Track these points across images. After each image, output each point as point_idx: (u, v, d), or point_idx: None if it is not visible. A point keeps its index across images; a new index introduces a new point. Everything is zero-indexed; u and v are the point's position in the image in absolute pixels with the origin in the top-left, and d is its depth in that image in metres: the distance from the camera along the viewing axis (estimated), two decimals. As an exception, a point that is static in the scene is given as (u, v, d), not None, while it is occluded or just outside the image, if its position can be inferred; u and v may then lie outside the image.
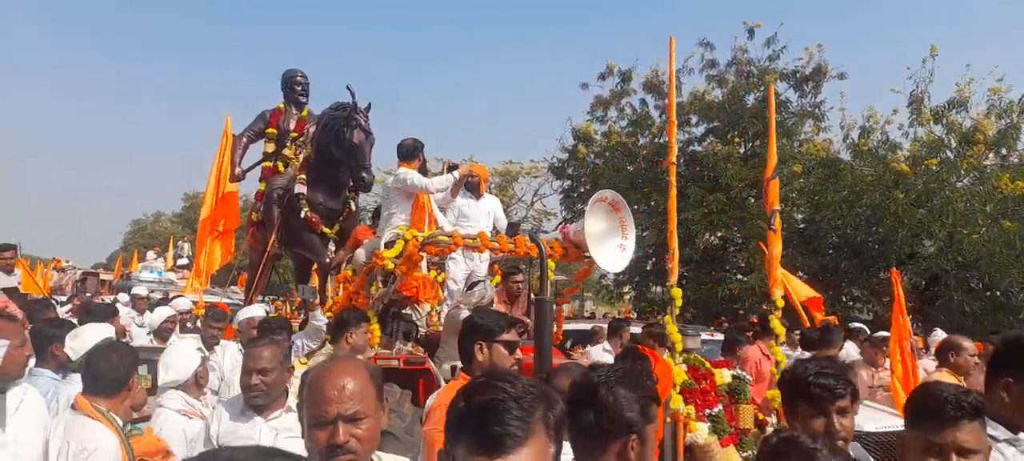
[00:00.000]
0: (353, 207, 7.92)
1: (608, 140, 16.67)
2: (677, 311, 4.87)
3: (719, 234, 16.38)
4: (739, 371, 4.90)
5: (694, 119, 16.49)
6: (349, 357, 2.82)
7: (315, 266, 8.05)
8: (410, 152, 6.09)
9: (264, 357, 3.23)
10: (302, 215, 7.56)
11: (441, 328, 6.29)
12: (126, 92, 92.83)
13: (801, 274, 16.29)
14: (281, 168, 8.25)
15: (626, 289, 18.49)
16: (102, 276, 18.36)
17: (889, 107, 14.94)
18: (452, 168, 6.50)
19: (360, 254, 6.16)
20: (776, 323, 4.88)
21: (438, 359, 5.81)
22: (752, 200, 16.08)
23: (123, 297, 10.24)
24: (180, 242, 23.25)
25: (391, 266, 5.29)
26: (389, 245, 5.44)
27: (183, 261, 19.69)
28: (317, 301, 4.96)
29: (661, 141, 16.67)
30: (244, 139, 8.47)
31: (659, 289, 16.36)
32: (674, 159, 4.59)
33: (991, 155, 14.18)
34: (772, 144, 5.19)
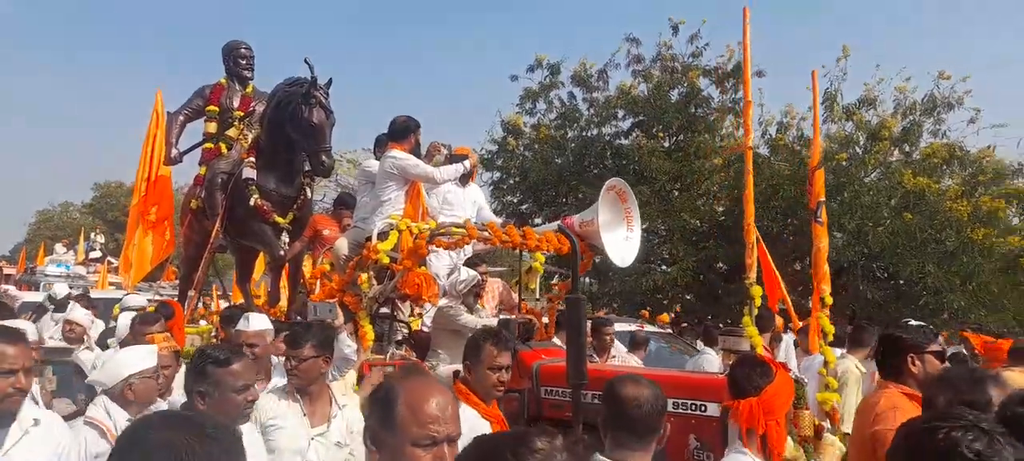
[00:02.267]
0: (308, 194, 7.11)
1: (537, 132, 16.31)
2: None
3: (644, 226, 16.34)
4: (796, 373, 4.55)
5: (620, 113, 16.37)
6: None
7: (265, 259, 7.19)
8: (402, 131, 5.44)
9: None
10: (251, 202, 6.72)
11: (427, 328, 5.65)
12: (27, 72, 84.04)
13: (721, 265, 16.70)
14: (224, 150, 7.35)
15: (554, 281, 18.20)
16: (4, 270, 16.38)
17: (805, 105, 15.16)
18: (452, 156, 5.84)
19: (341, 245, 5.48)
20: (825, 322, 4.51)
21: (430, 362, 5.19)
22: (676, 193, 16.19)
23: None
24: (92, 233, 21.16)
25: (386, 260, 4.64)
26: (382, 236, 4.79)
27: (96, 254, 17.90)
28: (340, 321, 4.23)
29: (589, 134, 16.51)
30: (181, 117, 7.50)
31: (588, 281, 16.13)
32: (751, 143, 4.09)
33: (896, 151, 14.77)
34: (817, 135, 4.81)
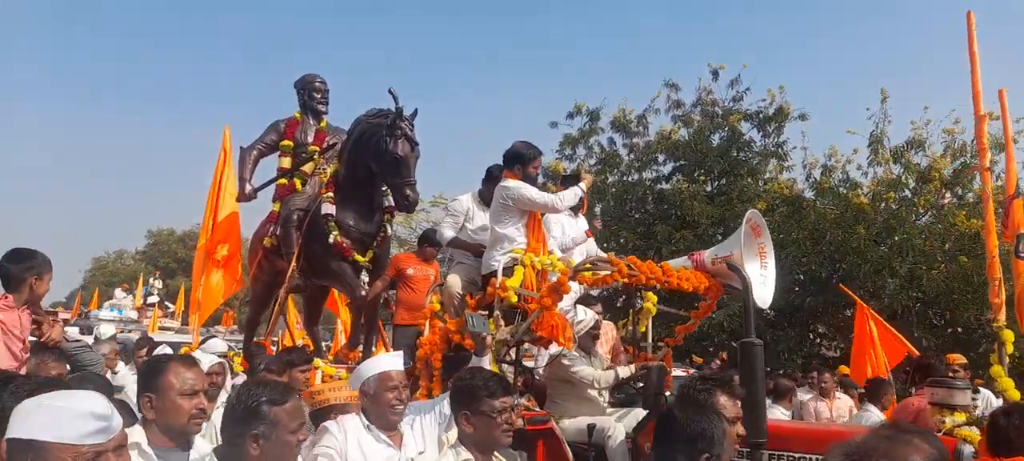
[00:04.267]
0: (388, 231, 6.51)
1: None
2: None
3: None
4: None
5: (661, 158, 15.91)
6: None
7: (346, 301, 6.56)
8: (515, 159, 4.85)
9: None
10: (330, 239, 6.11)
11: (541, 376, 5.00)
12: (85, 126, 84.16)
13: (768, 311, 16.01)
14: (299, 186, 6.77)
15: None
16: (61, 315, 15.79)
17: (849, 148, 14.75)
18: (568, 179, 5.27)
19: (454, 283, 4.87)
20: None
21: (552, 413, 4.53)
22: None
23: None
24: (151, 279, 20.62)
25: (514, 299, 4.03)
26: (507, 272, 4.18)
27: (153, 298, 17.32)
28: (491, 338, 3.67)
29: (629, 179, 16.02)
30: (254, 153, 6.95)
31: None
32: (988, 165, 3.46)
33: (948, 194, 14.22)
34: (1011, 161, 4.15)
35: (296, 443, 2.46)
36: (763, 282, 4.90)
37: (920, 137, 14.39)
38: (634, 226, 15.63)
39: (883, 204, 14.33)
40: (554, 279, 4.20)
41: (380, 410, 3.06)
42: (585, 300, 5.15)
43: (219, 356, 5.33)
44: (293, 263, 6.31)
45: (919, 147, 14.40)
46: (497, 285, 4.21)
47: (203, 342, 6.08)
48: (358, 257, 6.25)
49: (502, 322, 4.23)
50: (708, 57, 22.13)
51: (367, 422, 3.05)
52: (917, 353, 6.81)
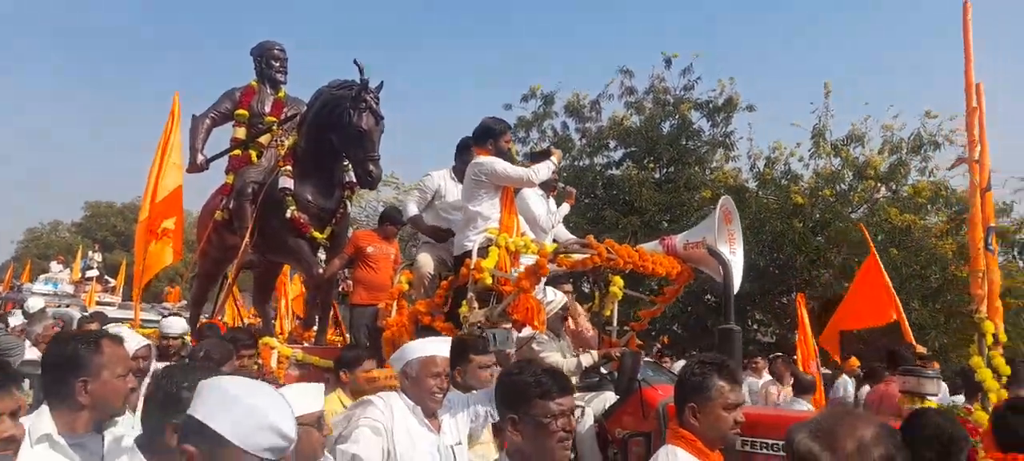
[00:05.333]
0: (348, 208, 6.21)
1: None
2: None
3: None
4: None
5: (612, 144, 15.89)
6: None
7: (301, 279, 6.23)
8: (488, 134, 4.62)
9: None
10: (288, 215, 5.77)
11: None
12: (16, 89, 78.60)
13: (709, 297, 16.23)
14: (255, 158, 6.37)
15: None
16: None
17: (794, 140, 14.97)
18: (537, 155, 5.07)
19: (425, 262, 4.62)
20: (1000, 361, 3.79)
21: None
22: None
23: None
24: (90, 252, 19.30)
25: (489, 280, 3.83)
26: (482, 253, 3.97)
27: (92, 272, 16.25)
28: (512, 351, 3.48)
29: (581, 164, 15.95)
30: (207, 121, 6.52)
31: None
32: (977, 158, 3.37)
33: (883, 188, 14.61)
34: (985, 152, 4.10)
35: None
36: (734, 266, 4.83)
37: (859, 132, 14.72)
38: (583, 211, 15.56)
39: (820, 197, 14.64)
40: (531, 261, 4.02)
41: (421, 394, 2.87)
42: (553, 280, 4.98)
43: (177, 337, 4.96)
44: (246, 238, 5.94)
45: (858, 142, 14.73)
46: (471, 266, 4.00)
47: (164, 319, 5.66)
48: (316, 234, 5.95)
49: (475, 304, 4.02)
50: (662, 45, 22.22)
51: (411, 403, 2.87)
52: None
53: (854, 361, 8.84)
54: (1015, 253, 14.58)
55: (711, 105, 15.48)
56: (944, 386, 6.63)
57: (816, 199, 14.71)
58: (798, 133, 15.04)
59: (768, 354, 11.62)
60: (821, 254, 14.76)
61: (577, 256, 3.91)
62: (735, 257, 4.91)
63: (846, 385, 8.52)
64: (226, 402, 1.55)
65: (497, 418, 3.02)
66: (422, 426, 2.79)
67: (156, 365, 5.12)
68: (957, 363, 13.21)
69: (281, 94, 6.72)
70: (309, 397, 2.31)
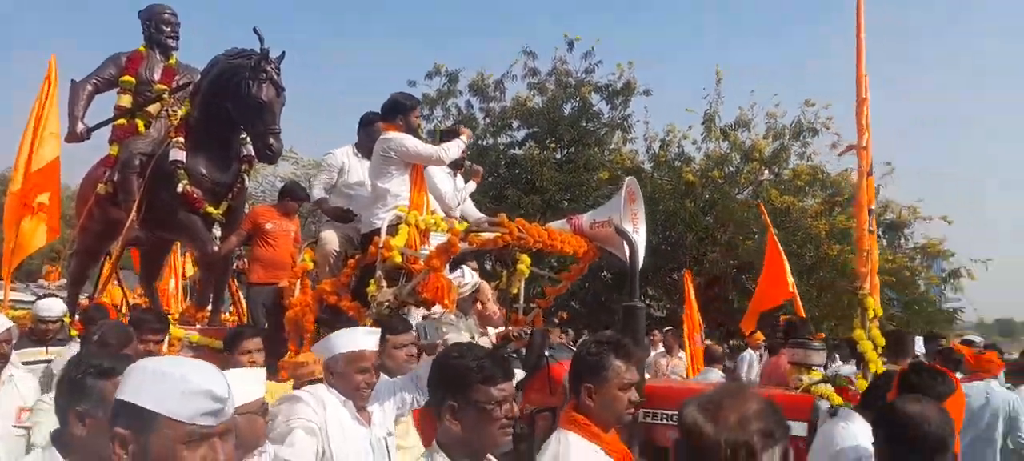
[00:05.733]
0: (245, 182, 5.90)
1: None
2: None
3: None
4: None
5: (515, 124, 15.96)
6: None
7: (192, 257, 5.88)
8: (397, 109, 4.49)
9: None
10: (179, 189, 5.43)
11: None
12: None
13: (606, 274, 16.66)
14: (142, 127, 5.93)
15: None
16: None
17: (687, 124, 15.52)
18: (446, 133, 4.97)
19: (330, 239, 4.46)
20: (877, 333, 4.04)
21: None
22: (566, 204, 15.95)
23: None
24: None
25: (399, 259, 3.74)
26: (391, 231, 3.87)
27: None
28: (441, 343, 3.34)
29: (484, 143, 15.92)
30: (88, 87, 5.98)
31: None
32: (866, 145, 3.52)
33: (766, 171, 15.40)
34: (868, 138, 4.25)
35: None
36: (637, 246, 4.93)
37: (746, 118, 15.43)
38: (486, 190, 15.57)
39: (710, 179, 15.29)
40: (442, 240, 3.94)
41: (349, 390, 2.68)
42: (460, 259, 4.93)
43: (56, 320, 4.54)
44: (133, 213, 5.53)
45: (745, 127, 15.44)
46: (380, 244, 3.88)
47: (39, 301, 5.14)
48: (210, 209, 5.61)
49: (384, 283, 3.90)
50: (566, 27, 22.35)
51: (342, 397, 2.67)
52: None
53: (759, 335, 9.33)
54: (880, 233, 15.79)
55: (611, 88, 15.80)
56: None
57: (706, 180, 15.36)
58: (691, 117, 15.61)
59: (659, 328, 12.08)
60: (709, 233, 15.48)
61: (488, 234, 3.87)
62: (638, 236, 5.02)
63: (751, 359, 8.98)
64: (150, 378, 1.46)
65: (422, 404, 2.92)
66: (354, 420, 2.64)
67: (38, 350, 4.72)
68: (832, 335, 14.26)
69: (172, 61, 6.26)
70: (250, 384, 2.18)
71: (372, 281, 3.86)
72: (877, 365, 3.58)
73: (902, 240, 15.32)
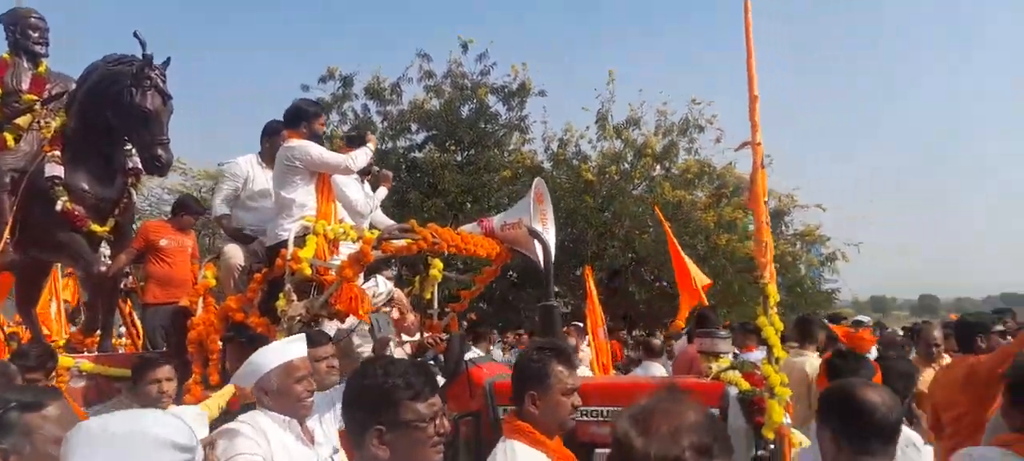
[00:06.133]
0: (133, 196, 5.50)
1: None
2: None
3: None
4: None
5: (414, 127, 15.80)
6: None
7: (73, 276, 5.42)
8: (301, 116, 4.31)
9: None
10: (58, 207, 5.00)
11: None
12: None
13: (512, 273, 16.77)
14: (11, 141, 5.40)
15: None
16: None
17: (584, 123, 15.88)
18: (352, 140, 4.81)
19: (234, 254, 4.23)
20: (776, 319, 4.19)
21: None
22: (469, 205, 15.95)
23: None
24: None
25: (308, 271, 3.60)
26: (299, 242, 3.72)
27: None
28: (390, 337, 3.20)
29: (382, 147, 15.65)
30: (-54, 99, 5.37)
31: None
32: (759, 141, 3.62)
33: (658, 167, 15.97)
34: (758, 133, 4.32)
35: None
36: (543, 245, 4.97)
37: (636, 116, 15.94)
38: (389, 194, 15.32)
39: (607, 176, 15.70)
40: (353, 249, 3.81)
41: (291, 405, 2.48)
42: (375, 267, 4.79)
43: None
44: (5, 234, 5.03)
45: (636, 125, 15.95)
46: (288, 257, 3.70)
47: None
48: (95, 227, 5.18)
49: (294, 296, 3.73)
50: (460, 30, 22.33)
51: (283, 417, 2.47)
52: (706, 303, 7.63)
53: (680, 324, 9.59)
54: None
55: (507, 89, 15.91)
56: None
57: (603, 177, 15.76)
58: (587, 116, 15.96)
59: (565, 324, 12.28)
60: (608, 228, 15.89)
61: (400, 242, 3.78)
62: (549, 235, 5.06)
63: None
64: (100, 442, 1.31)
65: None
66: (299, 442, 2.47)
67: None
68: (723, 321, 14.95)
69: (42, 69, 5.72)
70: (198, 426, 1.99)
71: (281, 295, 3.67)
72: (780, 351, 3.77)
73: (783, 227, 16.26)
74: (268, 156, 4.81)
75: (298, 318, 3.62)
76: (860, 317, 8.74)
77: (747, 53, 3.48)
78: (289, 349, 2.56)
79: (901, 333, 10.22)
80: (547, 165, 16.25)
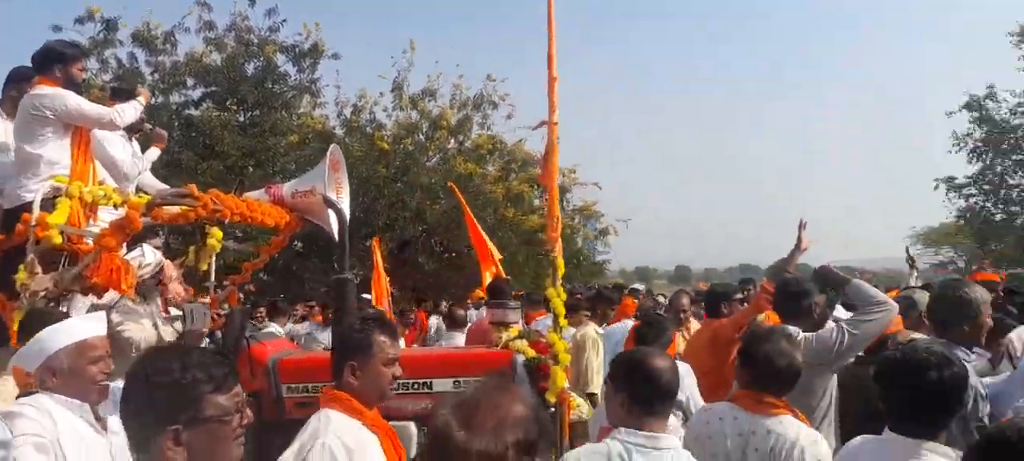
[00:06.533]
0: None
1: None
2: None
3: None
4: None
5: (190, 81, 14.38)
6: None
7: None
8: (55, 58, 3.69)
9: None
10: None
11: None
12: None
13: (297, 243, 15.99)
14: None
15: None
16: None
17: (378, 91, 15.53)
18: (119, 92, 4.20)
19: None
20: (562, 292, 4.40)
21: None
22: (251, 169, 14.93)
23: None
24: None
25: (58, 239, 3.15)
26: (47, 206, 3.23)
27: None
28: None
29: (154, 102, 14.06)
30: None
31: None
32: (556, 120, 3.70)
33: (452, 140, 16.15)
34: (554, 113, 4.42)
35: None
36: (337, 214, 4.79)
37: (433, 88, 15.93)
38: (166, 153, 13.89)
39: (401, 146, 15.54)
40: (115, 215, 3.35)
41: (83, 388, 2.21)
42: (142, 236, 4.27)
43: None
44: None
45: (432, 97, 15.94)
46: (33, 221, 3.15)
47: None
48: None
49: (39, 269, 3.19)
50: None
51: (74, 401, 2.19)
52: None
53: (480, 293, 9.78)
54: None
55: (297, 49, 15.06)
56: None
57: (398, 147, 15.58)
58: (383, 84, 15.62)
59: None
60: (400, 198, 15.78)
61: (175, 208, 3.40)
62: (343, 205, 4.88)
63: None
64: None
65: None
66: (91, 428, 2.20)
67: None
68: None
69: None
70: None
71: (22, 267, 3.13)
72: (565, 321, 4.00)
73: (565, 203, 17.28)
74: (13, 107, 4.07)
75: (43, 293, 3.11)
76: (636, 286, 9.65)
77: (549, 36, 3.61)
78: (87, 327, 2.34)
79: (662, 300, 11.43)
80: (339, 131, 15.69)
